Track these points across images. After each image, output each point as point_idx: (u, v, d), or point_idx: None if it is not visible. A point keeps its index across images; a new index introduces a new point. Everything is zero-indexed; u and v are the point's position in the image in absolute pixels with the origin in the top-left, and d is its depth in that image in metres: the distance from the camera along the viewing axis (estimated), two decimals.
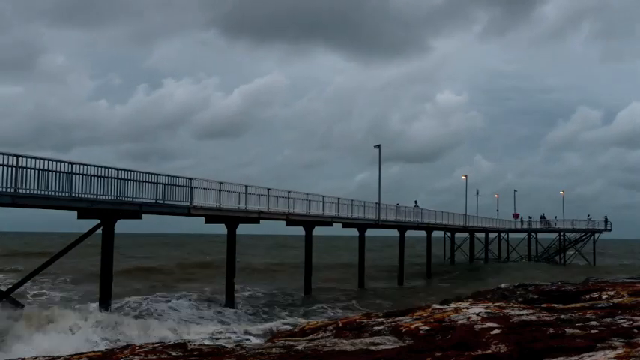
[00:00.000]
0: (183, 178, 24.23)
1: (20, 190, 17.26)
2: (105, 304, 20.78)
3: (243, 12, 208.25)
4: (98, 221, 20.95)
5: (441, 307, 9.57)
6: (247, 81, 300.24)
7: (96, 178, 19.85)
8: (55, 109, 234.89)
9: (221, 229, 28.56)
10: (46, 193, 18.22)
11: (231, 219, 27.35)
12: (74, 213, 20.98)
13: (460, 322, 7.66)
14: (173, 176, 23.78)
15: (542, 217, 70.71)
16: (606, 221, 68.90)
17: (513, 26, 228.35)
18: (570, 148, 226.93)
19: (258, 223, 29.29)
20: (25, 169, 17.39)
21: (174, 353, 6.39)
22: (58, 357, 6.83)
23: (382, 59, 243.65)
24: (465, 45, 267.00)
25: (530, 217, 71.18)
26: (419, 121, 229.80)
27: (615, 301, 10.24)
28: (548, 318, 7.87)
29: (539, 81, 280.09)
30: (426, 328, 7.51)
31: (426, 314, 8.70)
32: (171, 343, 6.89)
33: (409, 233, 45.88)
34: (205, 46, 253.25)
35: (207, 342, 11.98)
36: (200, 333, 19.54)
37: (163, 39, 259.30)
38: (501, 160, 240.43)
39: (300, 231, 34.24)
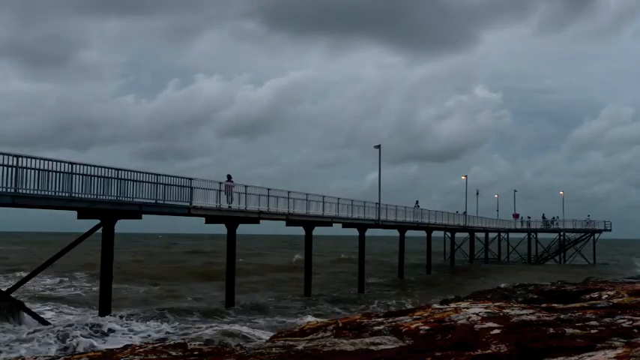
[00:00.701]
0: (183, 178, 24.22)
1: (20, 190, 17.25)
2: (105, 306, 20.75)
3: (288, 2, 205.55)
4: (98, 221, 20.94)
5: (441, 307, 9.57)
6: (281, 75, 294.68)
7: (96, 178, 19.85)
8: (82, 105, 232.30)
9: (221, 229, 28.59)
10: (46, 193, 18.21)
11: (231, 219, 27.34)
12: (74, 213, 20.98)
13: (460, 322, 7.66)
14: (173, 176, 23.78)
15: (543, 217, 70.74)
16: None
17: (569, 20, 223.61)
18: (594, 146, 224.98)
19: (258, 223, 29.27)
20: (25, 169, 17.39)
21: (174, 353, 6.39)
22: (58, 357, 6.83)
23: (428, 53, 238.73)
24: (516, 39, 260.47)
25: (529, 217, 71.20)
26: (447, 118, 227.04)
27: (615, 301, 10.24)
28: (548, 318, 7.87)
29: (576, 79, 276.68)
30: (426, 328, 7.51)
31: (426, 314, 8.70)
32: (171, 343, 6.89)
33: (409, 233, 45.93)
34: (243, 39, 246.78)
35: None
36: None
37: (202, 31, 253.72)
38: (522, 159, 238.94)
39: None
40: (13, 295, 20.78)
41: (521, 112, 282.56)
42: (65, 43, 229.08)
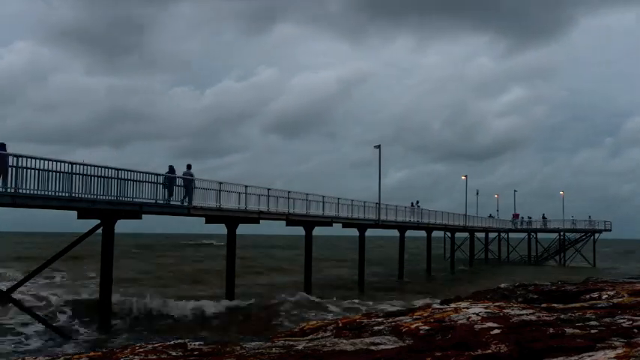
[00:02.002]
0: (183, 178, 24.23)
1: (20, 190, 17.25)
2: (104, 308, 20.72)
3: None
4: (98, 221, 20.94)
5: (441, 307, 9.57)
6: (338, 68, 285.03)
7: (96, 178, 19.85)
8: (132, 97, 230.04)
9: (221, 228, 28.59)
10: (46, 193, 18.21)
11: (231, 219, 27.35)
12: (74, 213, 20.98)
13: (460, 322, 7.66)
14: (173, 176, 23.79)
15: (543, 217, 70.79)
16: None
17: None
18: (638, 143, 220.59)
19: (258, 223, 29.29)
20: (25, 169, 17.38)
21: (174, 353, 6.38)
22: (58, 357, 6.84)
23: (523, 43, 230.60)
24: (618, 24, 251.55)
25: (530, 218, 71.20)
26: (503, 115, 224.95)
27: (615, 301, 10.24)
28: (548, 318, 7.86)
29: None
30: (426, 328, 7.51)
31: (426, 314, 8.69)
32: (171, 343, 6.88)
33: (409, 233, 45.95)
34: (322, 28, 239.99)
35: None
36: None
37: (281, 17, 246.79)
38: (562, 157, 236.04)
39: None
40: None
41: (582, 106, 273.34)
42: (125, 32, 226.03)
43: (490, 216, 69.51)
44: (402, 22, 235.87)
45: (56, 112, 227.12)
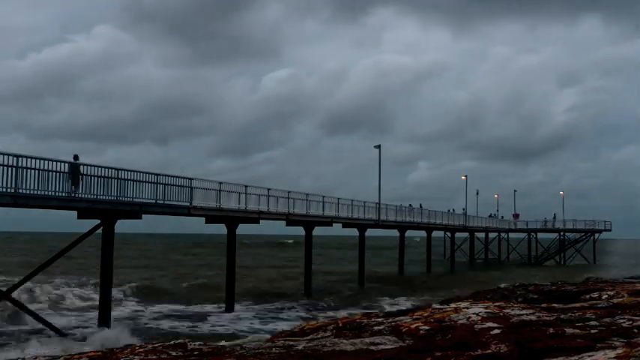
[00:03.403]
0: (183, 178, 24.23)
1: (20, 190, 17.25)
2: (104, 309, 20.72)
3: None
4: (98, 221, 20.93)
5: (441, 307, 9.57)
6: (429, 57, 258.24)
7: (96, 178, 19.84)
8: (188, 89, 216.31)
9: (221, 228, 28.58)
10: (46, 193, 18.21)
11: (231, 219, 27.33)
12: (74, 213, 20.98)
13: (460, 322, 7.66)
14: (173, 176, 23.78)
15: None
16: None
17: None
18: None
19: (258, 223, 29.28)
20: (25, 169, 17.39)
21: (174, 353, 6.39)
22: (58, 357, 6.84)
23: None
24: None
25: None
26: (570, 111, 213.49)
27: (615, 301, 10.23)
28: (548, 318, 7.86)
29: None
30: (426, 328, 7.50)
31: (426, 314, 8.69)
32: (171, 343, 6.88)
33: (409, 233, 45.96)
34: (421, 14, 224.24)
35: None
36: None
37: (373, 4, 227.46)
38: (606, 156, 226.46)
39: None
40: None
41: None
42: (209, 18, 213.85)
43: (490, 216, 69.48)
44: (505, 10, 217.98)
45: (110, 104, 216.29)
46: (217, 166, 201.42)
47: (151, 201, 22.20)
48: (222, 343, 8.14)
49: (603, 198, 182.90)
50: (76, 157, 20.12)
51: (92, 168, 19.78)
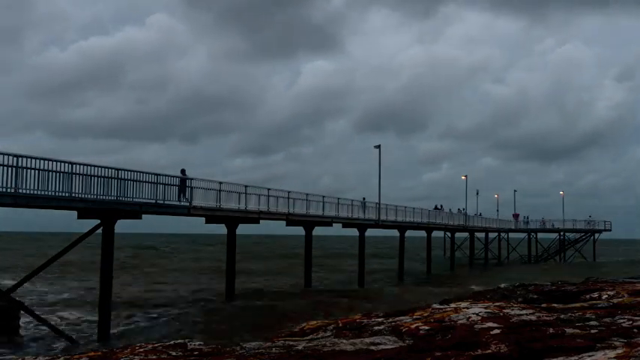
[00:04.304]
0: (183, 178, 24.24)
1: (20, 190, 17.25)
2: (105, 309, 20.70)
3: None
4: (98, 221, 20.93)
5: (441, 307, 9.56)
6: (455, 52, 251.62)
7: (96, 178, 19.85)
8: (228, 83, 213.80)
9: (221, 228, 28.61)
10: (46, 193, 18.21)
11: (231, 219, 27.35)
12: (74, 213, 20.98)
13: (460, 322, 7.65)
14: (173, 176, 23.80)
15: (542, 219, 70.95)
16: None
17: None
18: None
19: (258, 223, 29.30)
20: (25, 169, 17.39)
21: (174, 353, 6.38)
22: (58, 357, 6.83)
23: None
24: None
25: (527, 217, 71.30)
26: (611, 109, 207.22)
27: (615, 301, 10.23)
28: (548, 318, 7.86)
29: None
30: (426, 328, 7.50)
31: (426, 314, 8.69)
32: (171, 343, 6.88)
33: (409, 233, 45.94)
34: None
35: None
36: None
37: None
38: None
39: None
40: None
41: None
42: (268, 8, 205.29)
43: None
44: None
45: (147, 98, 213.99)
46: (236, 165, 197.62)
47: (151, 201, 22.21)
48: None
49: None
50: (183, 172, 24.31)
51: (92, 168, 19.78)
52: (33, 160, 17.70)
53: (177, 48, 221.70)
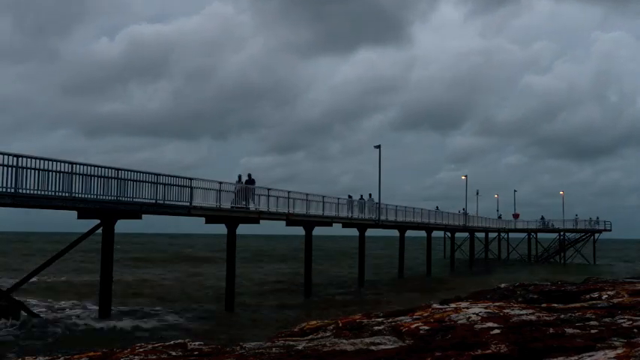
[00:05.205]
0: (183, 178, 24.25)
1: (20, 190, 17.26)
2: (105, 309, 20.72)
3: None
4: (98, 221, 20.94)
5: (441, 307, 9.55)
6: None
7: (96, 178, 19.86)
8: (260, 77, 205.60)
9: (221, 228, 28.57)
10: (46, 193, 18.22)
11: (231, 219, 27.34)
12: (74, 213, 20.99)
13: (460, 322, 7.65)
14: (173, 176, 23.80)
15: (542, 219, 70.83)
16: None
17: None
18: None
19: (258, 223, 29.29)
20: (25, 169, 17.39)
21: (174, 353, 6.38)
22: (58, 357, 6.82)
23: None
24: None
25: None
26: None
27: (615, 301, 10.22)
28: (548, 318, 7.86)
29: None
30: (426, 328, 7.50)
31: (426, 314, 8.69)
32: (171, 343, 6.88)
33: (409, 233, 45.96)
34: None
35: None
36: None
37: None
38: None
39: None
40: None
41: None
42: None
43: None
44: None
45: (186, 94, 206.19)
46: (255, 163, 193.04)
47: (151, 201, 22.22)
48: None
49: None
50: (249, 179, 26.14)
51: (92, 168, 19.78)
52: (33, 160, 17.71)
53: (232, 39, 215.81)
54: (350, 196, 38.67)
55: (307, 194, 32.70)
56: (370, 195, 39.65)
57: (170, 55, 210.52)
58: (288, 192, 31.01)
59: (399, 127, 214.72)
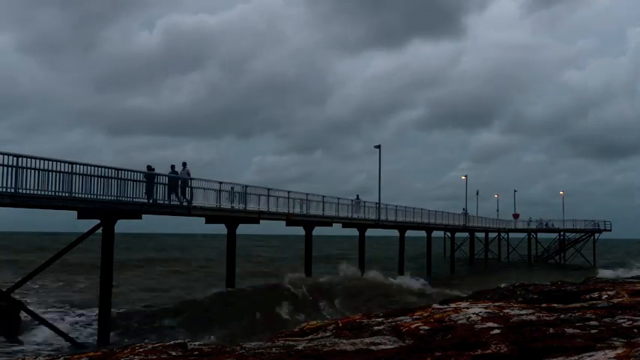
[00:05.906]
0: (183, 178, 24.24)
1: (20, 190, 17.25)
2: (105, 308, 20.70)
3: None
4: (98, 221, 20.93)
5: (441, 307, 9.55)
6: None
7: (96, 178, 19.85)
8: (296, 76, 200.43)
9: (221, 228, 28.58)
10: (46, 193, 18.21)
11: (231, 219, 27.34)
12: (74, 213, 20.98)
13: (460, 322, 7.65)
14: (173, 176, 23.79)
15: (541, 222, 70.92)
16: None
17: None
18: None
19: (258, 223, 29.29)
20: (25, 169, 17.39)
21: (174, 353, 6.38)
22: (58, 357, 6.83)
23: None
24: None
25: (530, 218, 71.30)
26: None
27: (615, 301, 10.22)
28: (548, 318, 7.86)
29: None
30: (426, 328, 7.50)
31: (426, 314, 8.68)
32: (171, 343, 6.88)
33: (409, 233, 45.94)
34: None
35: None
36: None
37: None
38: None
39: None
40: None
41: None
42: None
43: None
44: None
45: (217, 90, 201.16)
46: (269, 162, 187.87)
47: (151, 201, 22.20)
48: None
49: None
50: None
51: (92, 168, 19.78)
52: (33, 160, 17.71)
53: (274, 32, 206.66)
54: (358, 196, 38.97)
55: (307, 194, 32.70)
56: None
57: (206, 48, 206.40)
58: (288, 192, 31.02)
59: (423, 126, 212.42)
